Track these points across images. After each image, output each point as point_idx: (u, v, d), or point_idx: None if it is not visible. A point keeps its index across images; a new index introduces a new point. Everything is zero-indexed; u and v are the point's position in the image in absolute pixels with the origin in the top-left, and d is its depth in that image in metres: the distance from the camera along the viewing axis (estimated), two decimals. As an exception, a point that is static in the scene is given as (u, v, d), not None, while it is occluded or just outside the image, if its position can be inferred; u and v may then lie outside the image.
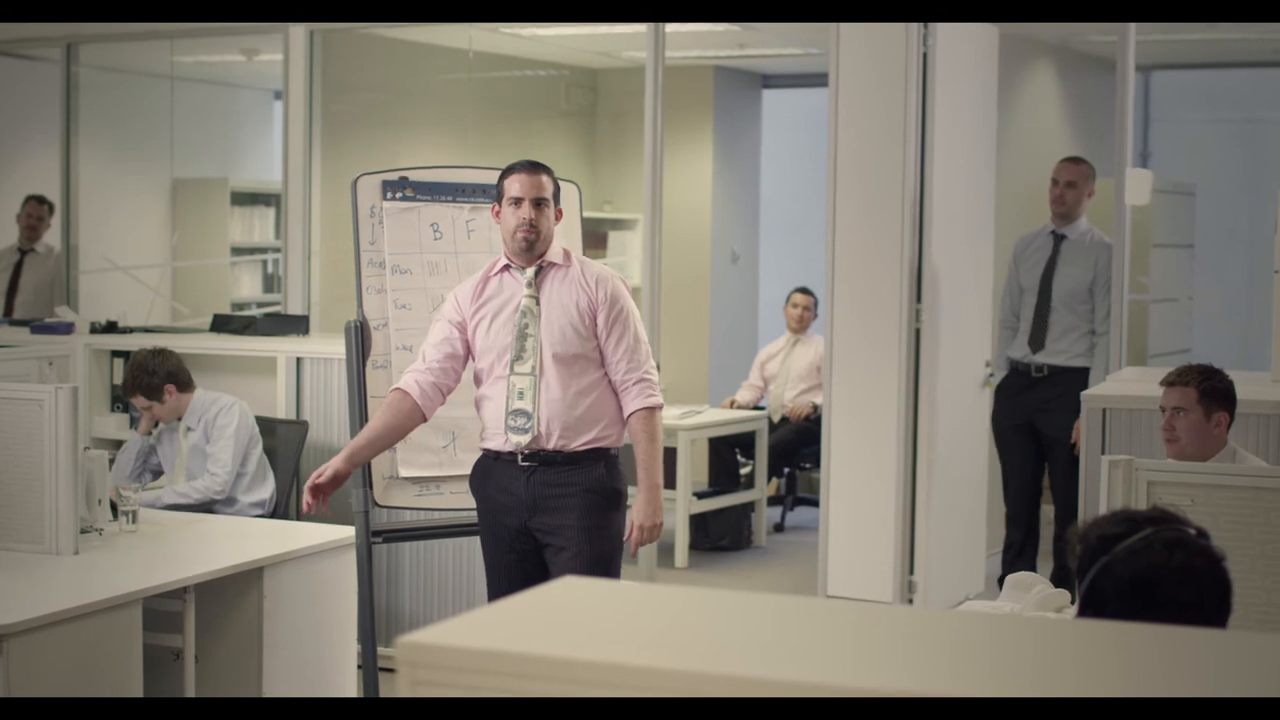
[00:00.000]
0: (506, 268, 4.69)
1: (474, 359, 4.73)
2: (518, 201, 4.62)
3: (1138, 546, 2.55)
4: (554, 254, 4.68)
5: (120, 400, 7.00)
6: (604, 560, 4.63)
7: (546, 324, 4.61)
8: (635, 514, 4.64)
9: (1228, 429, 4.56)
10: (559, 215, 4.70)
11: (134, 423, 6.50)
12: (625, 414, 4.67)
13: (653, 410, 4.65)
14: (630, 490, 4.71)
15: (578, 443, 4.60)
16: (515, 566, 4.68)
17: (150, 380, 5.96)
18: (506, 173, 4.68)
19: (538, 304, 4.63)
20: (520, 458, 4.63)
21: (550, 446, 4.60)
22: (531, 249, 4.63)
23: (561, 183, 5.48)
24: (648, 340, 4.73)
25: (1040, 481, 7.02)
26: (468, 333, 4.72)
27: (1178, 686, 1.63)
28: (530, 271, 4.65)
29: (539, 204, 4.63)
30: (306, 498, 4.68)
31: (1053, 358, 6.84)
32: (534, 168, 4.68)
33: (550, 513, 4.61)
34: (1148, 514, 2.65)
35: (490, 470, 4.71)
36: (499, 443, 4.65)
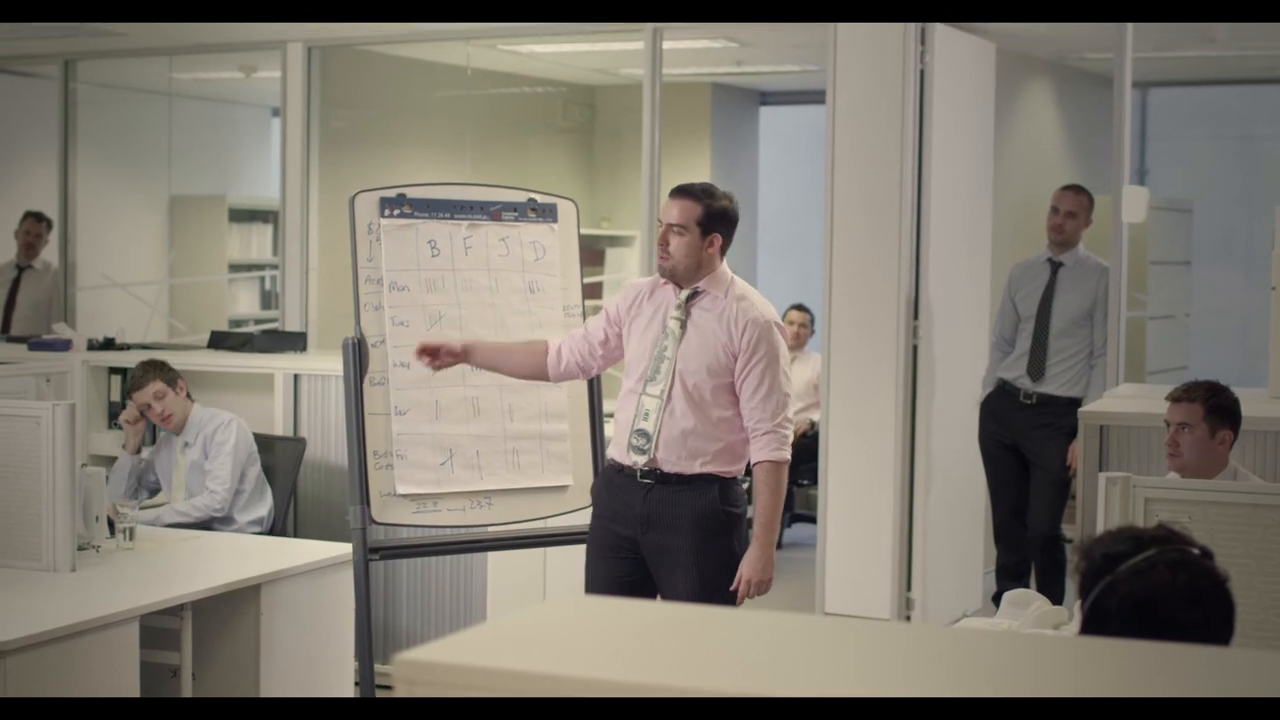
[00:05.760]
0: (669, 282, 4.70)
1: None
2: (662, 224, 4.65)
3: (1142, 567, 2.53)
4: (711, 282, 4.63)
5: (117, 418, 7.00)
6: (712, 583, 4.58)
7: (684, 353, 4.59)
8: (745, 566, 4.58)
9: (1231, 447, 4.56)
10: (713, 243, 4.64)
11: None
12: (751, 462, 4.62)
13: (778, 464, 4.57)
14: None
15: (693, 468, 4.59)
16: (620, 574, 4.66)
17: (171, 374, 6.00)
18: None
19: (682, 329, 4.61)
20: (639, 474, 4.63)
21: (666, 469, 4.59)
22: (670, 275, 4.62)
23: (558, 200, 5.49)
24: (788, 389, 4.63)
25: (1027, 502, 6.99)
26: (623, 329, 4.76)
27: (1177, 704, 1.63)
28: (683, 295, 4.63)
29: (675, 230, 4.60)
30: (422, 349, 4.84)
31: (1047, 386, 6.82)
32: (681, 192, 4.65)
33: (662, 531, 4.60)
34: (1152, 533, 2.63)
35: (612, 480, 4.72)
36: (621, 455, 4.67)
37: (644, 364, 4.64)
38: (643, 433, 4.60)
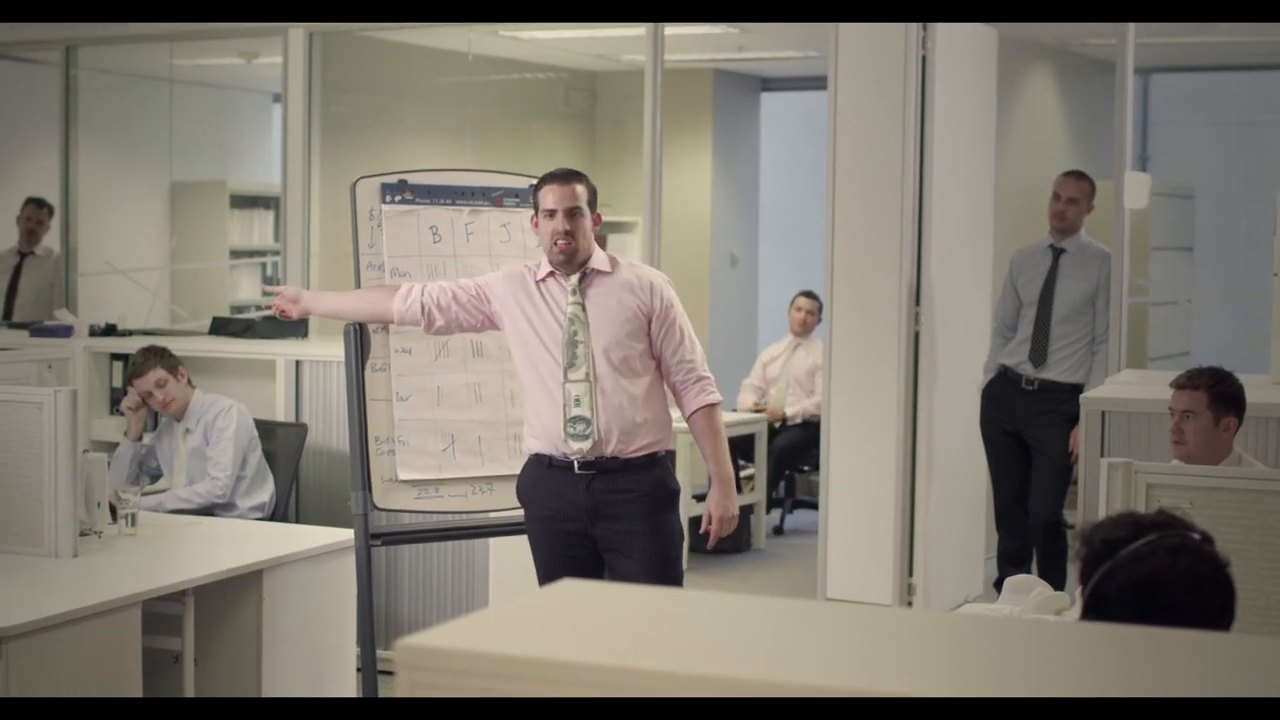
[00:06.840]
0: (551, 274, 4.68)
1: (513, 355, 4.77)
2: (551, 213, 4.60)
3: (1142, 552, 2.54)
4: (598, 260, 4.66)
5: (118, 404, 7.00)
6: (667, 562, 4.66)
7: (596, 330, 4.60)
8: (712, 506, 4.70)
9: (1235, 433, 4.55)
10: (597, 220, 4.68)
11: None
12: (687, 413, 4.71)
13: (714, 407, 4.71)
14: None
15: (634, 447, 4.61)
16: (574, 571, 4.62)
17: (172, 361, 6.00)
18: (541, 183, 4.67)
19: (584, 311, 4.62)
20: (576, 465, 4.62)
21: (609, 453, 4.59)
22: (570, 260, 4.61)
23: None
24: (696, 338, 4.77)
25: (1028, 488, 6.98)
26: (492, 309, 4.75)
27: (1178, 688, 1.63)
28: (574, 279, 4.64)
29: (574, 214, 4.60)
30: (276, 297, 5.10)
31: (1049, 372, 6.81)
32: (567, 177, 4.65)
33: (613, 519, 4.61)
34: (1153, 518, 2.64)
35: (542, 478, 4.69)
36: (553, 449, 4.64)
37: (558, 356, 4.61)
38: (580, 419, 4.59)
